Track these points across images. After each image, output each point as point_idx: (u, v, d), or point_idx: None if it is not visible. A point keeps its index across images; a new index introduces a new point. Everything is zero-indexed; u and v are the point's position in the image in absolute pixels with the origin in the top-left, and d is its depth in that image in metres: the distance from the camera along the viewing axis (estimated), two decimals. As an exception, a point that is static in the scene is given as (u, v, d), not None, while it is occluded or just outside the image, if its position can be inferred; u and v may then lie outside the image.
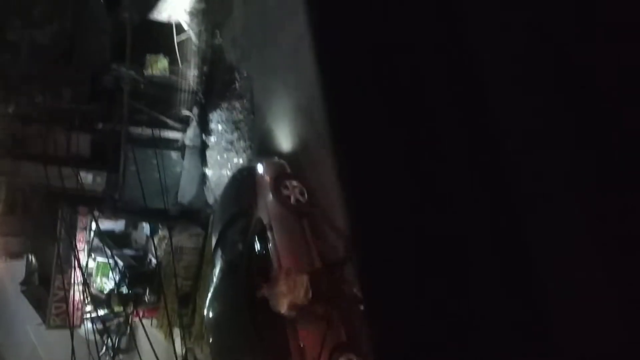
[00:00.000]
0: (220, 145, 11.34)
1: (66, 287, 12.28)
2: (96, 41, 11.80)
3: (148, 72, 12.13)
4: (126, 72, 11.56)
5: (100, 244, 13.18)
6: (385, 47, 3.08)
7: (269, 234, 7.90)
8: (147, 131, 11.89)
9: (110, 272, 13.45)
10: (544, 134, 2.83)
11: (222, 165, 11.35)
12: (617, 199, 2.64)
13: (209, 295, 8.90)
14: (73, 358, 8.47)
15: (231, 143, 11.02)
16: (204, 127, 11.92)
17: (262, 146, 10.13)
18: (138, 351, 9.55)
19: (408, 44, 3.07)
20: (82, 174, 11.18)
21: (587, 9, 2.56)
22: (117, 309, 13.36)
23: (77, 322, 12.64)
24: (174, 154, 12.35)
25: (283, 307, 7.08)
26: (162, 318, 12.26)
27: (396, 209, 3.09)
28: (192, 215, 12.26)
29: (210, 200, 11.91)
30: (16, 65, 11.15)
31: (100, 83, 11.88)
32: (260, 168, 8.72)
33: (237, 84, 10.99)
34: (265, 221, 8.03)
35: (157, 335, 12.39)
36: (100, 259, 13.65)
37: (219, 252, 8.98)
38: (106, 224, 13.78)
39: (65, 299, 12.33)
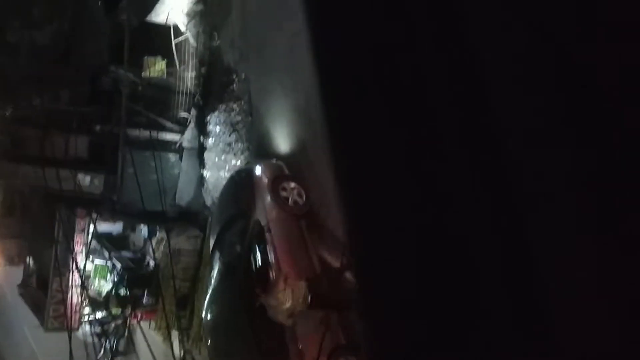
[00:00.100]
0: (218, 147, 11.34)
1: (64, 290, 12.25)
2: (94, 43, 11.80)
3: (146, 74, 12.14)
4: (124, 74, 11.57)
5: (98, 246, 13.18)
6: (385, 46, 3.08)
7: (267, 235, 7.90)
8: (145, 133, 11.90)
9: (108, 275, 13.44)
10: (545, 133, 2.82)
11: (220, 167, 11.34)
12: (618, 199, 2.64)
13: (207, 297, 8.88)
14: (71, 361, 8.43)
15: (229, 145, 11.01)
16: (202, 129, 11.92)
17: (260, 148, 10.12)
18: (136, 353, 9.54)
19: (408, 44, 3.07)
20: (80, 176, 11.19)
21: (589, 8, 2.57)
22: (115, 311, 13.33)
23: (75, 324, 12.63)
24: (172, 156, 12.35)
25: (282, 317, 7.07)
26: (160, 320, 12.24)
27: (396, 208, 3.08)
28: (190, 217, 12.24)
29: (208, 202, 11.90)
30: (15, 66, 11.13)
31: (98, 85, 11.90)
32: (258, 169, 8.72)
33: (234, 86, 10.99)
34: (263, 223, 8.03)
35: (155, 338, 12.38)
36: (98, 261, 13.64)
37: (217, 254, 8.97)
38: (104, 226, 13.76)
39: (63, 301, 12.31)
